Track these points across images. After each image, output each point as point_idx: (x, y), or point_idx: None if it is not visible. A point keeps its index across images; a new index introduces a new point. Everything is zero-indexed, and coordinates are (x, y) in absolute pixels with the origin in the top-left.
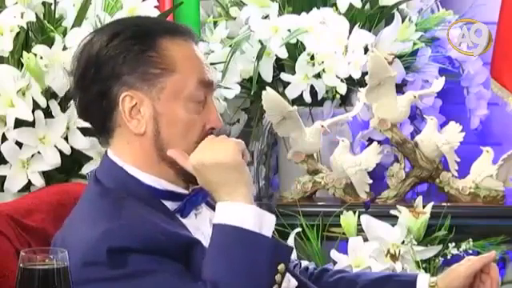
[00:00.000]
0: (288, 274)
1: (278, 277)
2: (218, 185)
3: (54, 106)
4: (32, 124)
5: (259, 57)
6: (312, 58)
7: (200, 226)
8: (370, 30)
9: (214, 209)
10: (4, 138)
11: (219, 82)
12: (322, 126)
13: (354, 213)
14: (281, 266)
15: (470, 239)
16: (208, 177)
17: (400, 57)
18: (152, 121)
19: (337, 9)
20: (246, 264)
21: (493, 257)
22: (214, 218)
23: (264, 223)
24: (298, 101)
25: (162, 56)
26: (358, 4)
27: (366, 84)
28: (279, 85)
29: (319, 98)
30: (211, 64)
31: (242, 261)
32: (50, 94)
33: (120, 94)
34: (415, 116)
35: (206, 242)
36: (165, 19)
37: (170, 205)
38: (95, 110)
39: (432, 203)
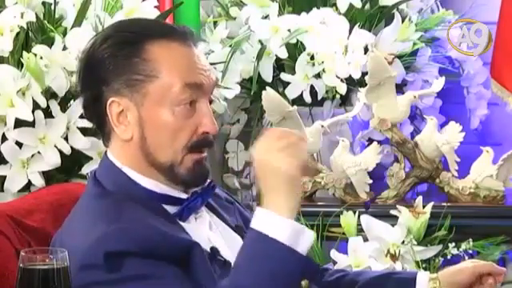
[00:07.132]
0: None
1: None
2: (271, 189)
3: (54, 105)
4: (32, 124)
5: (259, 57)
6: (312, 58)
7: (199, 229)
8: (370, 30)
9: (214, 212)
10: (4, 138)
11: (218, 82)
12: (322, 126)
13: (354, 213)
14: (305, 282)
15: (470, 239)
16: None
17: (400, 57)
18: (138, 126)
19: (337, 9)
20: (273, 277)
21: (503, 272)
22: (253, 222)
23: (301, 240)
24: (298, 101)
25: (146, 62)
26: (357, 4)
27: (366, 84)
28: (279, 85)
29: (319, 98)
30: (211, 64)
31: (271, 273)
32: (50, 94)
33: (107, 99)
34: (415, 116)
35: (205, 245)
36: (163, 21)
37: (170, 208)
38: (92, 113)
39: (432, 203)
